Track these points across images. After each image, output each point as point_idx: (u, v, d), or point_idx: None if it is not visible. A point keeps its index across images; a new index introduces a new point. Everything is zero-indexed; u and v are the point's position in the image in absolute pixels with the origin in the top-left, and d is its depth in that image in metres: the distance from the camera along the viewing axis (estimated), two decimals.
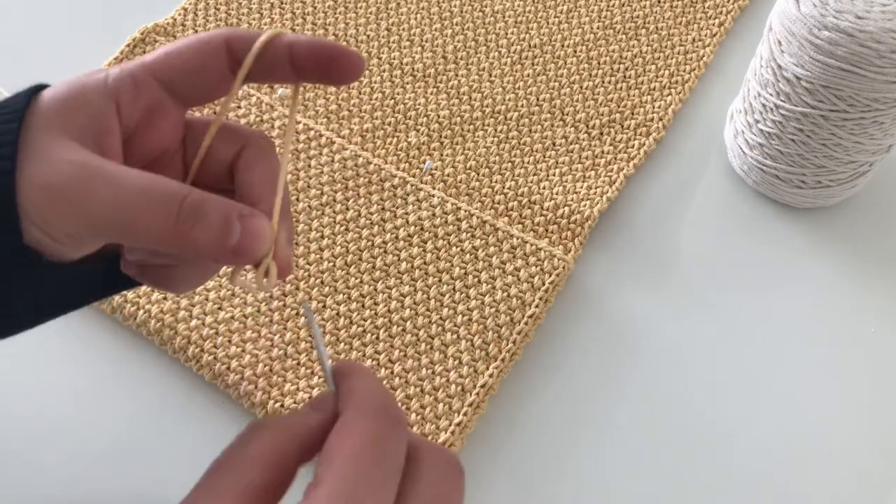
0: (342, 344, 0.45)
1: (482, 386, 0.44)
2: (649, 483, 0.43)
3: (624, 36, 0.60)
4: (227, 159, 0.29)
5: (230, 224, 0.26)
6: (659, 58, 0.59)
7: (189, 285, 0.31)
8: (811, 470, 0.44)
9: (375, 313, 0.46)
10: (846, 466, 0.44)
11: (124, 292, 0.46)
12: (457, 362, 0.45)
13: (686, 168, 0.55)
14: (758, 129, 0.51)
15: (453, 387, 0.44)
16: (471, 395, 0.44)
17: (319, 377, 0.44)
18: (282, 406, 0.43)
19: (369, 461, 0.24)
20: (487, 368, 0.45)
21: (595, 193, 0.52)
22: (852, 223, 0.53)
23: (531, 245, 0.49)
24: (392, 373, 0.44)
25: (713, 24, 0.62)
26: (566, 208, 0.51)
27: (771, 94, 0.49)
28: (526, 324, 0.46)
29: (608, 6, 0.62)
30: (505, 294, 0.47)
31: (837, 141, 0.48)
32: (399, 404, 0.43)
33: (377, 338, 0.46)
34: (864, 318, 0.49)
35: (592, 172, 0.53)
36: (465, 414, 0.43)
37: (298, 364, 0.44)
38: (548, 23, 0.61)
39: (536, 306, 0.46)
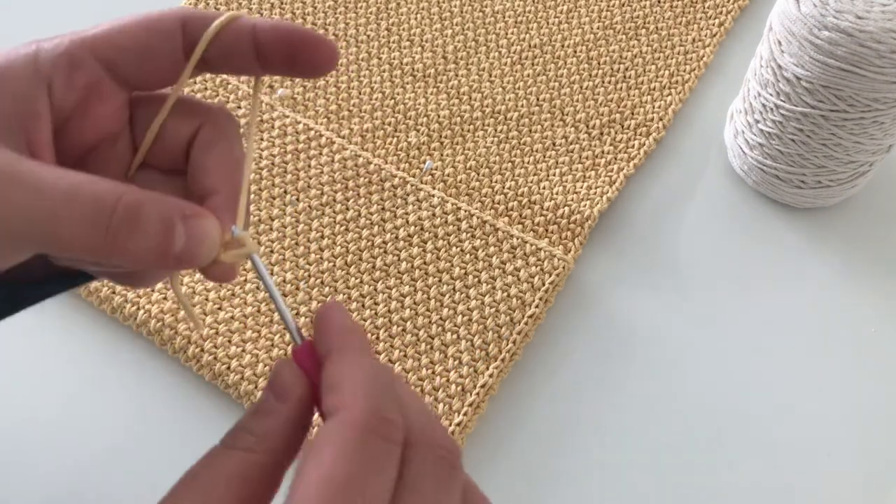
0: None
1: (482, 386, 0.44)
2: (649, 482, 0.43)
3: (624, 36, 0.60)
4: (182, 138, 0.26)
5: (171, 228, 0.22)
6: (659, 58, 0.59)
7: (152, 280, 0.28)
8: (811, 470, 0.44)
9: (375, 313, 0.46)
10: (846, 466, 0.44)
11: (124, 292, 0.46)
12: (457, 362, 0.45)
13: (686, 168, 0.55)
14: (758, 129, 0.51)
15: (453, 387, 0.44)
16: (471, 395, 0.44)
17: None
18: None
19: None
20: (487, 368, 0.45)
21: (595, 193, 0.52)
22: (852, 223, 0.53)
23: (531, 245, 0.49)
24: None
25: (713, 24, 0.62)
26: (566, 208, 0.51)
27: (771, 94, 0.49)
28: (526, 324, 0.46)
29: (608, 6, 0.62)
30: (505, 294, 0.47)
31: (837, 141, 0.48)
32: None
33: (377, 338, 0.46)
34: (864, 317, 0.49)
35: (592, 172, 0.53)
36: (465, 414, 0.43)
37: None
38: (548, 23, 0.61)
39: (536, 306, 0.46)
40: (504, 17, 0.61)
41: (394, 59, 0.59)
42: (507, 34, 0.60)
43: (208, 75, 0.55)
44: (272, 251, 0.48)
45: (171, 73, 0.25)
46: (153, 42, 0.24)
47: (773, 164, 0.51)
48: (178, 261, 0.23)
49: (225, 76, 0.55)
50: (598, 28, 0.61)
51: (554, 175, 0.53)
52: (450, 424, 0.43)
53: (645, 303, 0.49)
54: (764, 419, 0.45)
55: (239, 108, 0.54)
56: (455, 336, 0.46)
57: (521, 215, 0.51)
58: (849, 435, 0.45)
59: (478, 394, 0.44)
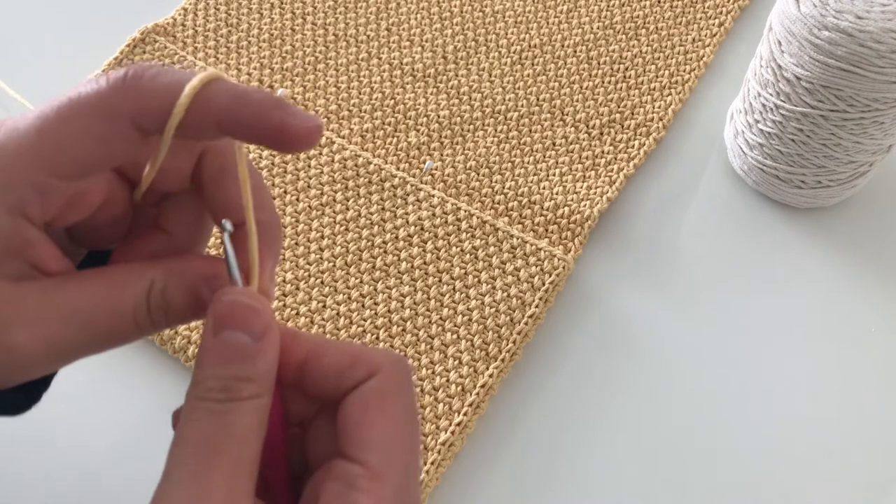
0: None
1: (482, 386, 0.44)
2: (649, 482, 0.43)
3: (624, 36, 0.60)
4: (185, 171, 0.26)
5: (199, 298, 0.25)
6: (659, 58, 0.59)
7: None
8: (811, 470, 0.44)
9: (375, 313, 0.46)
10: (846, 466, 0.44)
11: None
12: (457, 362, 0.45)
13: (686, 168, 0.55)
14: (758, 129, 0.51)
15: (453, 387, 0.44)
16: (471, 395, 0.44)
17: None
18: None
19: (416, 450, 0.24)
20: (487, 368, 0.45)
21: (595, 193, 0.52)
22: (852, 223, 0.53)
23: (531, 245, 0.49)
24: None
25: (713, 24, 0.62)
26: (566, 208, 0.51)
27: (771, 94, 0.49)
28: (526, 324, 0.46)
29: (608, 6, 0.62)
30: (505, 294, 0.47)
31: (837, 141, 0.48)
32: None
33: (377, 338, 0.46)
34: (864, 317, 0.49)
35: (592, 172, 0.53)
36: (465, 414, 0.43)
37: None
38: (548, 23, 0.61)
39: (536, 306, 0.46)
40: (504, 17, 0.61)
41: (394, 59, 0.59)
42: (507, 34, 0.60)
43: None
44: None
45: (137, 158, 0.25)
46: (109, 151, 0.23)
47: (773, 164, 0.51)
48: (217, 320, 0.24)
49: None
50: (598, 28, 0.61)
51: (554, 175, 0.53)
52: (450, 424, 0.43)
53: (645, 303, 0.49)
54: (764, 419, 0.45)
55: None
56: (455, 336, 0.46)
57: (521, 215, 0.51)
58: (848, 435, 0.45)
59: (478, 394, 0.44)
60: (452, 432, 0.42)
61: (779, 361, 0.47)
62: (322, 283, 0.47)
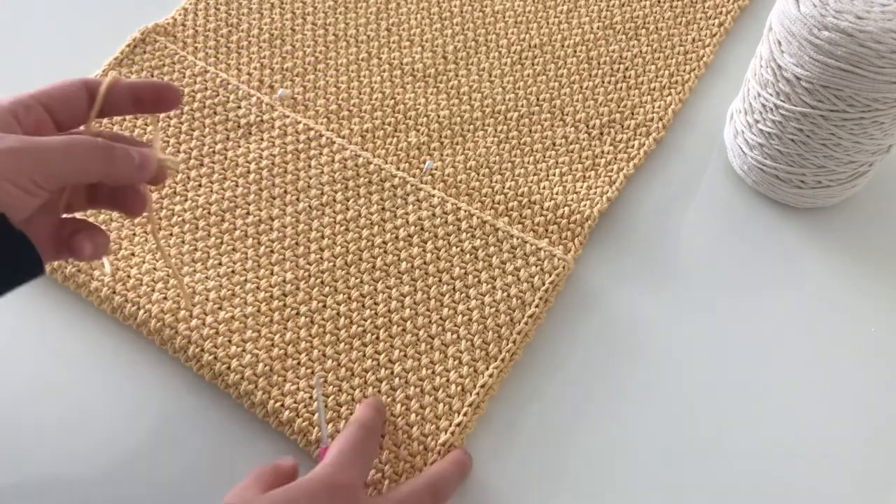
0: (342, 344, 0.45)
1: (482, 386, 0.44)
2: (649, 482, 0.43)
3: (624, 36, 0.60)
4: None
5: (133, 154, 0.37)
6: (659, 58, 0.59)
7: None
8: (810, 470, 0.44)
9: (375, 313, 0.46)
10: (845, 466, 0.44)
11: (125, 292, 0.46)
12: (457, 362, 0.45)
13: (686, 168, 0.55)
14: (758, 129, 0.51)
15: (453, 387, 0.44)
16: (471, 395, 0.44)
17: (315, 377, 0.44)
18: (282, 405, 0.43)
19: (360, 450, 0.40)
20: (487, 368, 0.45)
21: (595, 193, 0.52)
22: (852, 223, 0.53)
23: (531, 245, 0.49)
24: (392, 373, 0.44)
25: (713, 24, 0.62)
26: (566, 208, 0.51)
27: (771, 94, 0.49)
28: (526, 324, 0.46)
29: (608, 6, 0.62)
30: (505, 294, 0.47)
31: (837, 141, 0.48)
32: (398, 405, 0.43)
33: (377, 338, 0.46)
34: (864, 317, 0.49)
35: (592, 172, 0.53)
36: (465, 414, 0.43)
37: (299, 364, 0.44)
38: (548, 23, 0.61)
39: (536, 306, 0.47)
40: (504, 17, 0.61)
41: (394, 59, 0.59)
42: (507, 34, 0.60)
43: (217, 75, 0.55)
44: (272, 251, 0.48)
45: (83, 117, 0.38)
46: (70, 96, 0.37)
47: (773, 164, 0.51)
48: (140, 169, 0.36)
49: (225, 77, 0.55)
50: (598, 28, 0.61)
51: (554, 175, 0.53)
52: (450, 424, 0.43)
53: (644, 302, 0.49)
54: (763, 418, 0.45)
55: (239, 107, 0.54)
56: (455, 336, 0.46)
57: (521, 215, 0.51)
58: (848, 435, 0.45)
59: (478, 394, 0.44)
60: (452, 432, 0.43)
61: (778, 361, 0.47)
62: (322, 283, 0.47)
